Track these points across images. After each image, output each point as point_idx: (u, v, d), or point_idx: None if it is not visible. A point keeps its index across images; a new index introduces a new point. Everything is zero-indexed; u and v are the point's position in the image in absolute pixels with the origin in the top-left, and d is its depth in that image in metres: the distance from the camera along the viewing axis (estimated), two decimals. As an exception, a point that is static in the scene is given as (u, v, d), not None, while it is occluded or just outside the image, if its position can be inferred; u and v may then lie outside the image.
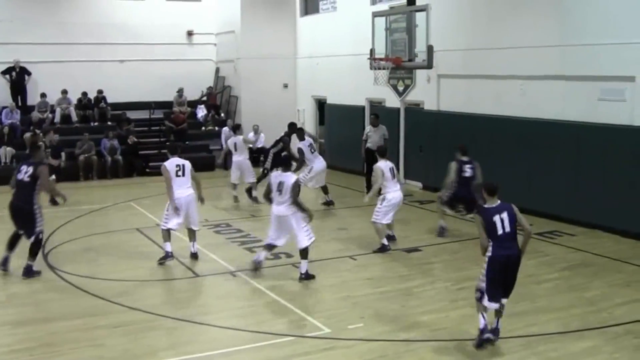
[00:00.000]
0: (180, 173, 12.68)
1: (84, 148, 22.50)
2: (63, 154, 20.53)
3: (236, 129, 19.70)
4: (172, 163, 12.76)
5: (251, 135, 24.89)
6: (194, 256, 13.04)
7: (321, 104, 25.47)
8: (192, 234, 13.11)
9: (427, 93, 19.85)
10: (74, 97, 25.00)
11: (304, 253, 11.68)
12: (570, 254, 13.24)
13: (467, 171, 14.10)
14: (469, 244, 13.96)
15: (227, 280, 11.87)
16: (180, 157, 12.90)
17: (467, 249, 13.60)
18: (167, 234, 12.76)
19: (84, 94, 25.12)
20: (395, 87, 20.95)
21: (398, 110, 20.83)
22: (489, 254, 8.48)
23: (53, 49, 24.91)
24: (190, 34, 27.50)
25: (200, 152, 24.81)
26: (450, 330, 9.37)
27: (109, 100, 25.40)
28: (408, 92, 20.65)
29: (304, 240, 11.60)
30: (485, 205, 8.69)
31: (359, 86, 21.93)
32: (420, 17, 16.32)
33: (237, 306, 10.65)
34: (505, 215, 8.49)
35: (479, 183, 12.80)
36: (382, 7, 20.64)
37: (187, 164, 12.82)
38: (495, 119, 17.36)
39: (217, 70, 28.22)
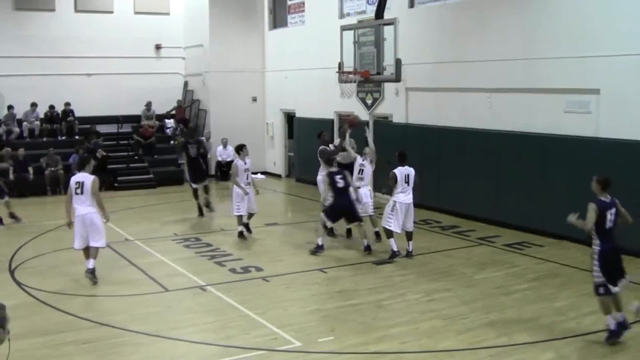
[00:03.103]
0: (78, 190, 12.10)
1: (49, 165, 22.25)
2: (30, 169, 20.31)
3: (240, 149, 15.77)
4: (73, 180, 12.32)
5: (220, 148, 24.95)
6: (90, 271, 12.25)
7: (290, 118, 25.49)
8: (93, 251, 12.39)
9: (395, 106, 19.95)
10: (41, 110, 24.79)
11: (411, 235, 13.89)
12: (538, 264, 13.35)
13: (339, 182, 14.10)
14: (437, 255, 14.06)
15: (197, 294, 11.78)
16: (88, 173, 12.24)
17: (436, 261, 13.68)
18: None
19: (52, 107, 24.88)
20: (363, 100, 21.04)
21: (367, 123, 20.87)
22: (597, 248, 9.12)
23: (20, 62, 24.72)
24: (158, 47, 27.42)
25: (168, 166, 24.81)
26: (420, 343, 9.39)
27: (77, 114, 25.20)
28: (376, 105, 20.74)
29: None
30: (601, 198, 9.24)
31: (328, 99, 22.01)
32: (388, 30, 16.46)
33: (207, 320, 10.57)
34: (613, 211, 9.19)
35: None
36: (351, 20, 20.78)
37: (88, 181, 12.10)
38: (462, 131, 17.49)
39: (186, 84, 28.14)
